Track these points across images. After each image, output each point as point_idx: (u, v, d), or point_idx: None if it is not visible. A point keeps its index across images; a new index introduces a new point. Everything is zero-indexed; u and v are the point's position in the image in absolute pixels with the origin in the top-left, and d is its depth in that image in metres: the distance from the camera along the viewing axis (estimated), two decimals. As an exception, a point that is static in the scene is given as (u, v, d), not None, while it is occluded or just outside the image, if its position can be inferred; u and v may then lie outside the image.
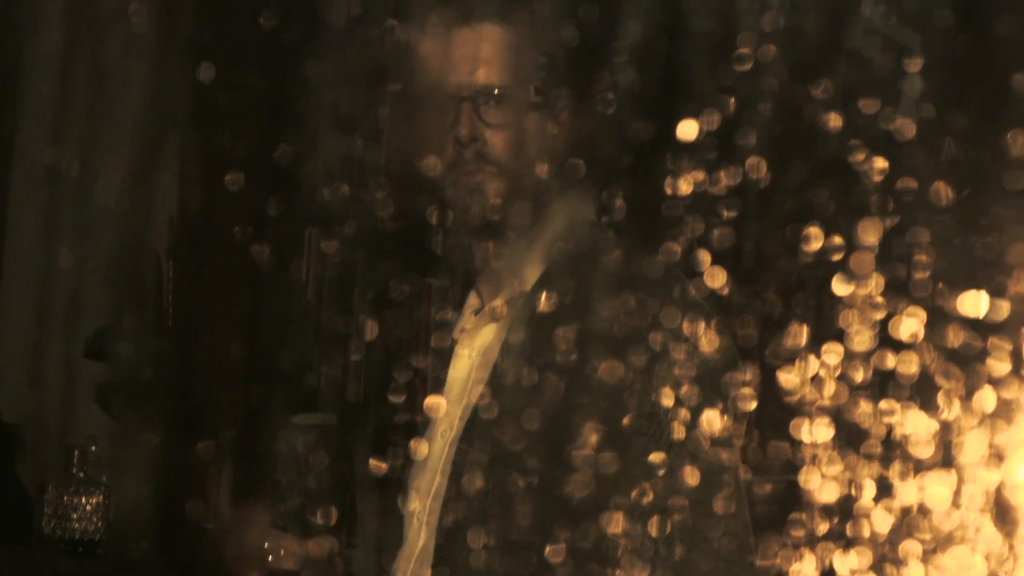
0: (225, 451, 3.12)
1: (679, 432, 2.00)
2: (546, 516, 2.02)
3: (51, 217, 3.64)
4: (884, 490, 2.32)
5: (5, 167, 3.77)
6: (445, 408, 2.17)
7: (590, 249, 2.14)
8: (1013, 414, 2.13)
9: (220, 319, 3.35)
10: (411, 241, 2.32)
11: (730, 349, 2.07)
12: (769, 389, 2.39)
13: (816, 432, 2.43)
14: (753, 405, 2.08)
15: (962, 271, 2.41)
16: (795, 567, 2.31)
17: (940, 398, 2.29)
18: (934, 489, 2.23)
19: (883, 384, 2.39)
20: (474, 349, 2.17)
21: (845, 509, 2.37)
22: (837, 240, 2.47)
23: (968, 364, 2.28)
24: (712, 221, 2.50)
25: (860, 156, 2.45)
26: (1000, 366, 2.17)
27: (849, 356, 2.42)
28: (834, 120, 2.49)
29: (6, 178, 3.77)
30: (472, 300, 2.21)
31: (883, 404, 2.37)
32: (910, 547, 2.22)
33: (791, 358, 2.47)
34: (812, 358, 2.46)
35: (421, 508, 2.14)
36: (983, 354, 2.27)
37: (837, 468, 2.40)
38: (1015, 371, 2.15)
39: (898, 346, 2.38)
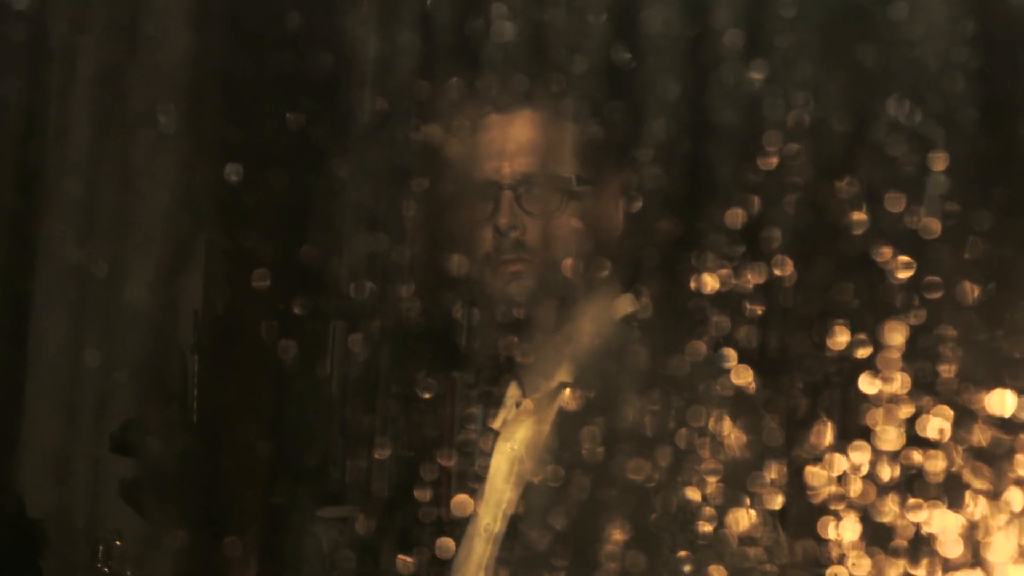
0: (250, 546, 3.11)
1: (705, 528, 1.99)
2: None
3: (77, 314, 3.66)
4: (912, 589, 2.31)
5: (32, 266, 3.79)
6: (485, 500, 2.15)
7: (623, 345, 2.12)
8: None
9: (245, 414, 3.35)
10: (437, 336, 2.32)
11: (757, 445, 2.06)
12: (796, 486, 2.38)
13: (843, 530, 2.42)
14: (780, 502, 2.07)
15: (989, 369, 2.40)
16: (824, 666, 2.29)
17: (968, 496, 2.28)
18: (962, 588, 2.22)
19: (910, 482, 2.38)
20: (516, 442, 2.15)
21: (873, 608, 2.35)
22: (862, 337, 2.46)
23: (996, 462, 2.27)
24: (737, 318, 2.50)
25: (886, 253, 2.46)
26: (1028, 464, 2.16)
27: (876, 454, 2.41)
28: (859, 217, 2.50)
29: (33, 276, 3.79)
30: (512, 391, 2.18)
31: (910, 502, 2.36)
32: (939, 646, 2.20)
33: (818, 455, 2.46)
34: (838, 456, 2.45)
35: None
36: (1011, 452, 2.26)
37: (865, 566, 2.38)
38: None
39: (925, 444, 2.37)
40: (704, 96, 2.40)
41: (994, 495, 2.25)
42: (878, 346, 2.44)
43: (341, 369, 3.32)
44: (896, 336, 2.42)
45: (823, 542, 2.44)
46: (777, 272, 2.51)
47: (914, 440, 2.38)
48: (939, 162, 2.46)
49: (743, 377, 2.29)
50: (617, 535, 1.99)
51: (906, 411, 2.40)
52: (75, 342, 3.61)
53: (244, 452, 3.29)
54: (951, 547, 2.26)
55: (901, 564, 2.34)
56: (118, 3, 3.28)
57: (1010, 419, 2.30)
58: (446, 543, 2.16)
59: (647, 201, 2.20)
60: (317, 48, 2.98)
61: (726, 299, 2.47)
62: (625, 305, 2.16)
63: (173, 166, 3.59)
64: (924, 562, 2.30)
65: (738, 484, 2.02)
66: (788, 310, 2.60)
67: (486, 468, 2.15)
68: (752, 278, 2.50)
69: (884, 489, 2.40)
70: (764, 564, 2.02)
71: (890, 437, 2.40)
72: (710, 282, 2.46)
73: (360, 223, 3.12)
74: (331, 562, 2.83)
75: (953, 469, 2.33)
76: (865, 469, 2.41)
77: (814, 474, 2.43)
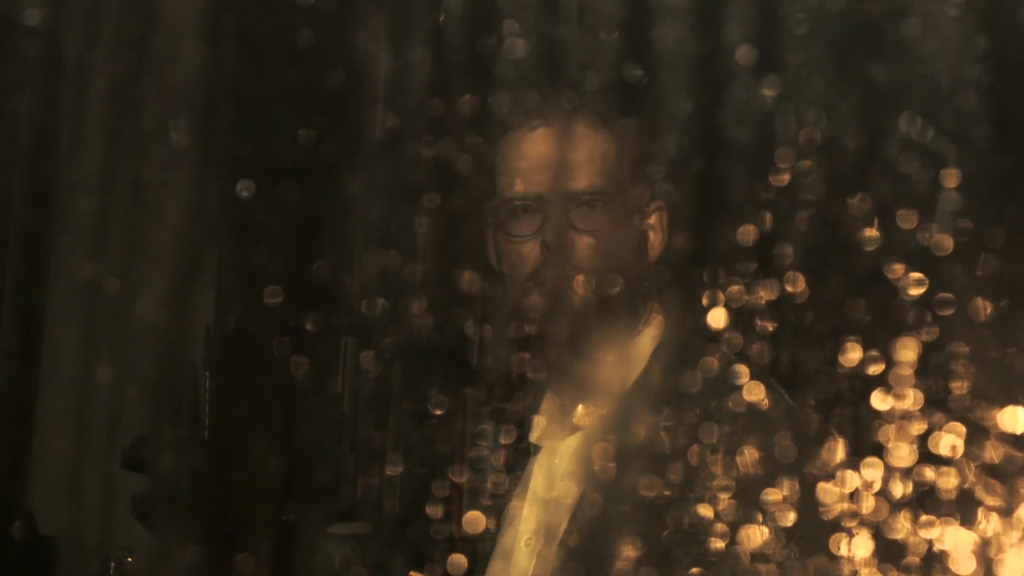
0: (262, 563, 3.11)
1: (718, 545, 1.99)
2: None
3: (89, 330, 3.66)
4: (925, 606, 2.31)
5: (43, 282, 3.80)
6: (526, 515, 2.14)
7: (685, 359, 2.11)
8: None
9: (257, 430, 3.35)
10: (449, 352, 2.32)
11: (769, 461, 2.05)
12: (807, 503, 2.38)
13: (855, 547, 2.42)
14: (792, 519, 2.07)
15: (1001, 385, 2.40)
16: None
17: (980, 513, 2.27)
18: (975, 605, 2.21)
19: (922, 499, 2.38)
20: (557, 455, 2.14)
21: (886, 625, 2.35)
22: (874, 353, 2.46)
23: (1008, 479, 2.27)
24: (749, 335, 2.50)
25: (898, 269, 2.46)
26: (1041, 481, 2.16)
27: (888, 470, 2.41)
28: (871, 233, 2.50)
29: (45, 292, 3.80)
30: (547, 405, 2.17)
31: (923, 519, 2.36)
32: (952, 663, 2.20)
33: (830, 472, 2.46)
34: (851, 473, 2.44)
35: None
36: (1023, 470, 2.25)
37: (877, 583, 2.38)
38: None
39: (937, 461, 2.37)
40: (716, 113, 2.41)
41: (1007, 512, 2.25)
42: (890, 363, 2.44)
43: (352, 385, 3.33)
44: (908, 353, 2.42)
45: (835, 559, 2.44)
46: (789, 288, 2.51)
47: (926, 457, 2.38)
48: (951, 179, 2.46)
49: (755, 394, 2.28)
50: (629, 551, 1.99)
51: (918, 428, 2.40)
52: (87, 358, 3.62)
53: (256, 469, 3.29)
54: (964, 564, 2.26)
55: (914, 581, 2.34)
56: (130, 19, 3.29)
57: (1022, 436, 2.30)
58: (458, 560, 2.15)
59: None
60: (330, 64, 2.99)
61: (739, 315, 2.47)
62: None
63: (185, 182, 3.59)
64: (937, 579, 2.30)
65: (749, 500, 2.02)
66: (800, 326, 2.60)
67: (526, 482, 2.14)
68: (764, 294, 2.50)
69: (896, 506, 2.40)
70: None
71: (902, 454, 2.40)
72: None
73: (372, 240, 3.12)
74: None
75: (965, 486, 2.33)
76: (877, 486, 2.41)
77: (826, 491, 2.43)
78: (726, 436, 2.01)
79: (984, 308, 2.46)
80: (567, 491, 2.07)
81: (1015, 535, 2.22)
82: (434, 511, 2.23)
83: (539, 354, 2.11)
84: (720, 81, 2.38)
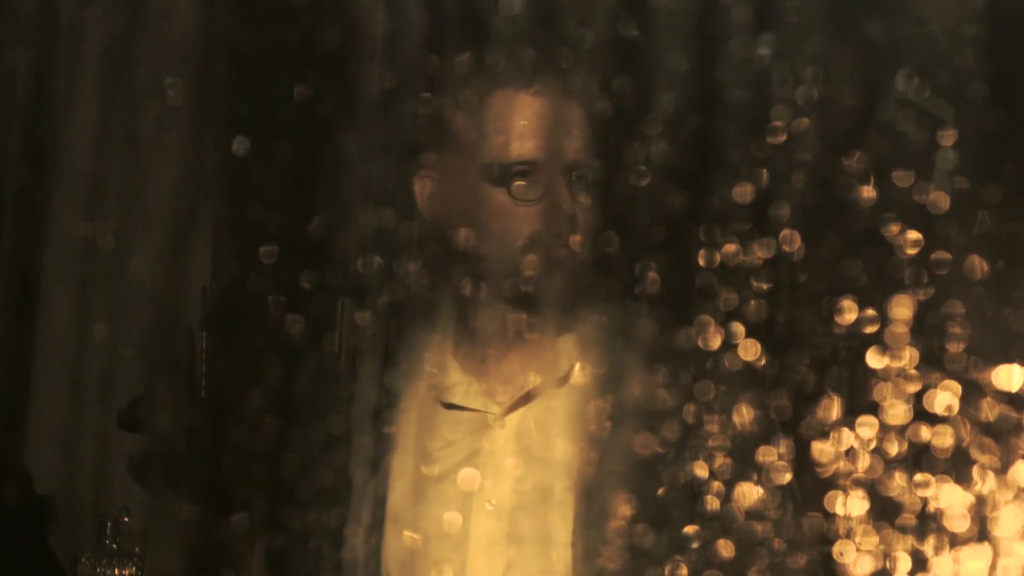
0: (258, 522, 3.11)
1: (713, 504, 2.00)
2: None
3: (84, 289, 3.66)
4: (919, 564, 2.31)
5: (39, 240, 3.79)
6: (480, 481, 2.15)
7: (625, 322, 2.13)
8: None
9: (253, 390, 3.35)
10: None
11: (765, 421, 2.06)
12: (803, 461, 2.39)
13: (851, 505, 2.42)
14: (788, 477, 2.07)
15: (997, 344, 2.40)
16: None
17: (975, 472, 2.28)
18: (969, 563, 2.22)
19: (918, 457, 2.39)
20: (515, 421, 2.15)
21: (880, 583, 2.35)
22: (871, 312, 2.46)
23: (1003, 438, 2.27)
24: (745, 293, 2.50)
25: (894, 229, 2.46)
26: (1036, 439, 2.16)
27: (883, 429, 2.41)
28: (868, 192, 2.50)
29: (40, 250, 3.79)
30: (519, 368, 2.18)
31: (918, 477, 2.36)
32: (946, 621, 2.20)
33: (825, 431, 2.46)
34: (846, 431, 2.45)
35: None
36: (1018, 428, 2.26)
37: (872, 541, 2.38)
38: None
39: (933, 419, 2.37)
40: (713, 70, 2.40)
41: (1002, 470, 2.25)
42: (886, 321, 2.44)
43: (349, 344, 3.32)
44: (904, 311, 2.42)
45: (830, 517, 2.44)
46: (785, 248, 2.50)
47: (922, 415, 2.39)
48: (948, 138, 2.45)
49: (751, 352, 2.29)
50: (625, 510, 2.00)
51: (914, 386, 2.40)
52: (82, 317, 3.62)
53: (252, 427, 3.29)
54: (958, 522, 2.26)
55: (908, 539, 2.34)
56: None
57: (1018, 394, 2.30)
58: (453, 517, 2.16)
59: (655, 176, 2.20)
60: (326, 21, 2.97)
61: (734, 274, 2.47)
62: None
63: (181, 139, 3.58)
64: (931, 537, 2.30)
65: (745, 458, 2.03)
66: (796, 285, 2.60)
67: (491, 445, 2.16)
68: (760, 253, 2.50)
69: (892, 464, 2.40)
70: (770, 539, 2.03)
71: (898, 412, 2.40)
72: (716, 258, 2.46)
73: (370, 197, 3.11)
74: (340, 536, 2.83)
75: (961, 444, 2.34)
76: (873, 444, 2.41)
77: (822, 449, 2.44)
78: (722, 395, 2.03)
79: (980, 266, 2.46)
80: (530, 452, 2.09)
81: (1010, 493, 2.22)
82: (428, 469, 2.24)
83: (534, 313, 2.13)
84: (716, 39, 2.38)
